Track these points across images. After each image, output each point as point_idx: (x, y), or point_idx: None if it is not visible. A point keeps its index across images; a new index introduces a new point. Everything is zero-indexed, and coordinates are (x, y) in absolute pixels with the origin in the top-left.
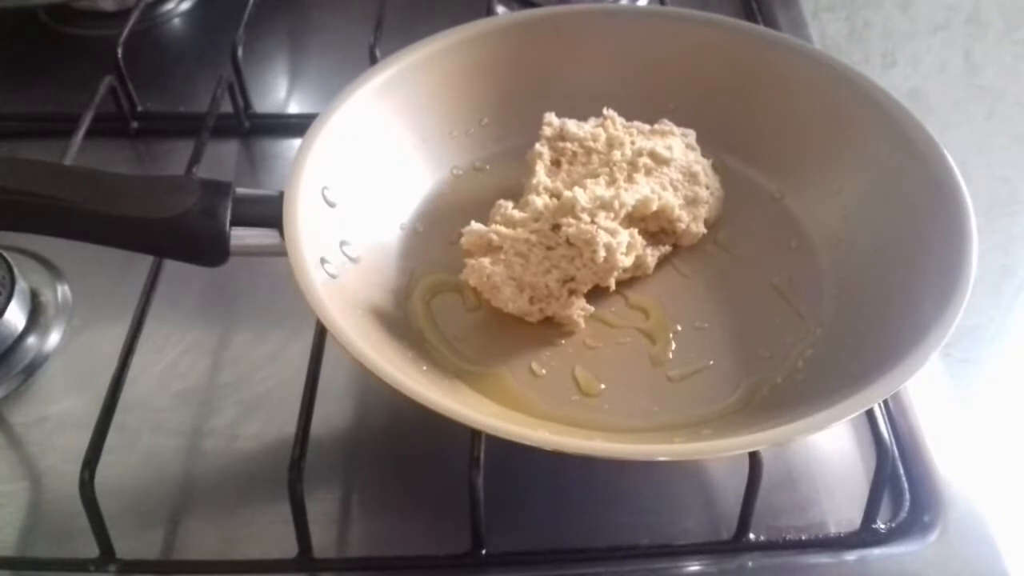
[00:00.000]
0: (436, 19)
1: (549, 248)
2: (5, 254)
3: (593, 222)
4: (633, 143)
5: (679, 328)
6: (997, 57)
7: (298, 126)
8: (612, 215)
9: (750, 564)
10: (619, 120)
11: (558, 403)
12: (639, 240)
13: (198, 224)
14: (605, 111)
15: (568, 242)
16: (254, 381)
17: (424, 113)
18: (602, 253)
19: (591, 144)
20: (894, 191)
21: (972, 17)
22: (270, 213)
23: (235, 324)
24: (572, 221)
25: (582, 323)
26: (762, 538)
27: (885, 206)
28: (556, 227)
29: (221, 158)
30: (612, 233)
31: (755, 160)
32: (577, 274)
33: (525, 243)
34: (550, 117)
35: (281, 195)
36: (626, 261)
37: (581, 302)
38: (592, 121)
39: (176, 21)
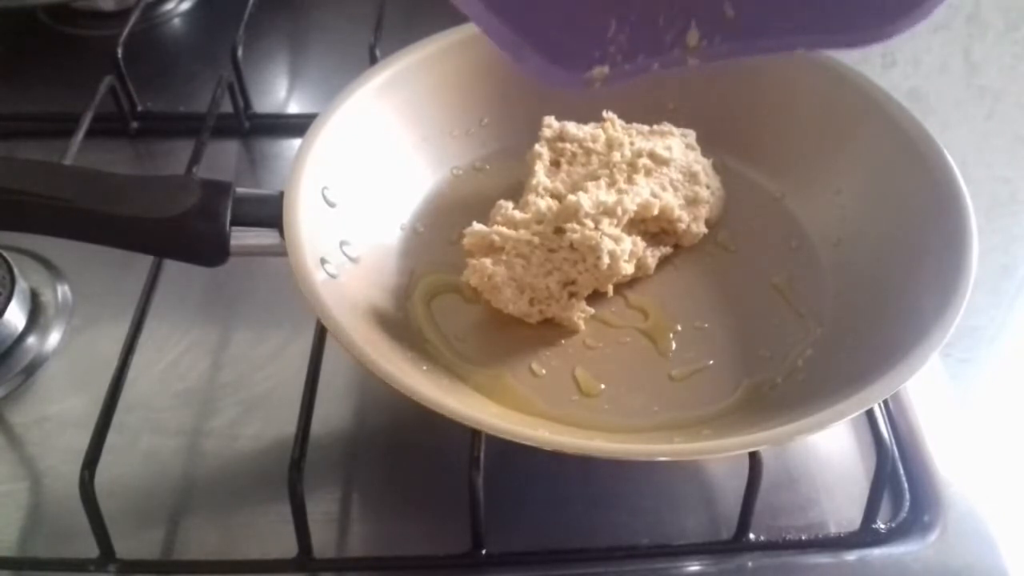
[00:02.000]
0: (436, 19)
1: (551, 251)
2: (5, 254)
3: (597, 228)
4: (632, 144)
5: (679, 328)
6: (997, 57)
7: (298, 126)
8: (615, 221)
9: (750, 564)
10: (619, 122)
11: (558, 403)
12: (641, 245)
13: (198, 224)
14: (605, 113)
15: (571, 247)
16: (254, 381)
17: (424, 113)
18: (606, 260)
19: (590, 145)
20: (894, 191)
21: (972, 17)
22: (270, 213)
23: (235, 324)
24: (576, 227)
25: (582, 325)
26: (762, 538)
27: (885, 206)
28: (559, 230)
29: (221, 158)
30: (616, 240)
31: (755, 160)
32: (579, 278)
33: (527, 245)
34: (550, 120)
35: (281, 195)
36: (628, 268)
37: (581, 304)
38: (592, 124)
39: (176, 21)
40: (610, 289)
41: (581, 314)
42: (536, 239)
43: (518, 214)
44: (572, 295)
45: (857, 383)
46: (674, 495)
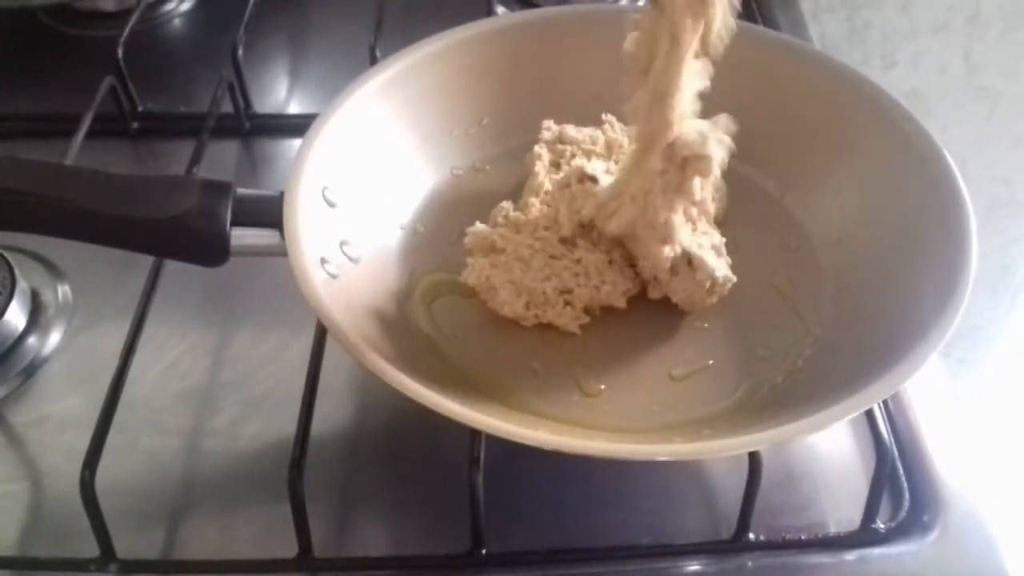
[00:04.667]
0: (436, 19)
1: (552, 257)
2: (6, 254)
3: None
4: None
5: (679, 328)
6: (997, 57)
7: (298, 126)
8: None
9: (750, 564)
10: (618, 125)
11: (558, 403)
12: (638, 282)
13: (198, 224)
14: (604, 116)
15: (578, 261)
16: (254, 381)
17: (424, 113)
18: (607, 287)
19: (590, 147)
20: (894, 191)
21: (972, 18)
22: (270, 213)
23: (235, 324)
24: (590, 245)
25: (577, 330)
26: (762, 538)
27: (885, 206)
28: (565, 241)
29: (221, 158)
30: (621, 271)
31: (755, 160)
32: (576, 290)
33: (528, 248)
34: (549, 123)
35: (281, 195)
36: (621, 303)
37: (577, 311)
38: (591, 127)
39: (177, 21)
40: (597, 312)
41: (576, 320)
42: (538, 244)
43: (521, 216)
44: (567, 303)
45: (857, 383)
46: (674, 495)
